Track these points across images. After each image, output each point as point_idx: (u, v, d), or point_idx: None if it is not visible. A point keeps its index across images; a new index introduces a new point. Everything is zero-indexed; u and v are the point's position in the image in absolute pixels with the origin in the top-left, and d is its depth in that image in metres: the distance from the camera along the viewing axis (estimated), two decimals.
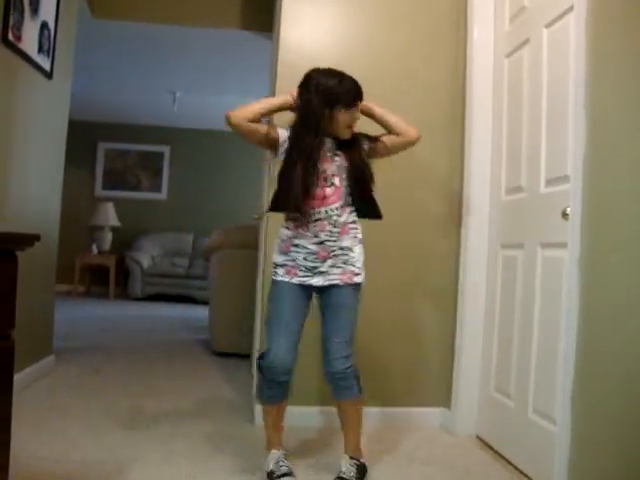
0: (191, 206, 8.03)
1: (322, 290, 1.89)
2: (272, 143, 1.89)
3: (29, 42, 2.66)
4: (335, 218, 1.85)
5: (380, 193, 2.66)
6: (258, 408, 2.31)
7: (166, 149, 8.07)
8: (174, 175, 8.09)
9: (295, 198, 1.80)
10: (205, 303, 5.47)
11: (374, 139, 1.95)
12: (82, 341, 4.16)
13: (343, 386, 1.90)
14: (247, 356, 3.59)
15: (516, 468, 2.12)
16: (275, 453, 1.94)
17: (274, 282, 1.91)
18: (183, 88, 6.20)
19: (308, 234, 1.85)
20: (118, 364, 3.53)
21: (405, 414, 2.59)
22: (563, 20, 1.97)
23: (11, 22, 2.45)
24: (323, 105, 1.80)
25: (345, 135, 1.86)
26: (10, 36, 2.46)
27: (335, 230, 1.85)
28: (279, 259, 1.91)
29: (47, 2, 2.83)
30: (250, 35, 4.23)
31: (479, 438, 2.45)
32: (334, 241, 1.86)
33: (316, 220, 1.85)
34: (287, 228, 1.91)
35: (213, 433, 2.34)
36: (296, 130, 1.85)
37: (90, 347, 3.98)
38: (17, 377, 1.52)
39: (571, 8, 1.88)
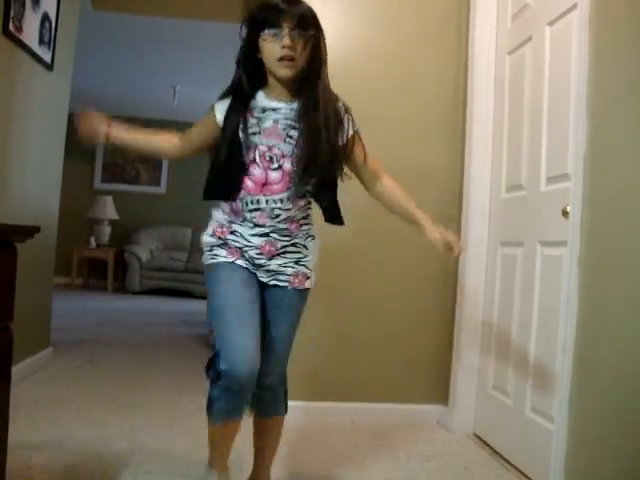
0: (190, 200, 7.97)
1: (265, 284, 1.52)
2: (215, 133, 1.51)
3: (30, 33, 2.64)
4: (278, 212, 1.46)
5: None
6: None
7: None
8: (173, 169, 8.07)
9: (220, 181, 1.48)
10: (203, 297, 5.47)
11: (351, 145, 1.50)
12: (80, 334, 4.16)
13: (272, 401, 1.62)
14: None
15: (513, 466, 2.12)
16: (218, 474, 1.56)
17: (215, 266, 1.50)
18: (183, 82, 6.18)
19: (246, 223, 1.49)
20: (116, 357, 3.53)
21: (403, 411, 2.59)
22: (566, 18, 1.97)
23: (12, 13, 2.44)
24: (248, 39, 1.45)
25: (281, 73, 1.41)
26: (11, 27, 2.44)
27: (281, 226, 1.48)
28: (214, 240, 1.53)
29: None
30: None
31: (476, 436, 2.45)
32: (284, 236, 1.49)
33: (253, 210, 1.46)
34: (222, 211, 1.54)
35: None
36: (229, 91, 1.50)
37: (88, 340, 3.98)
38: (15, 369, 1.51)
39: (574, 6, 1.87)
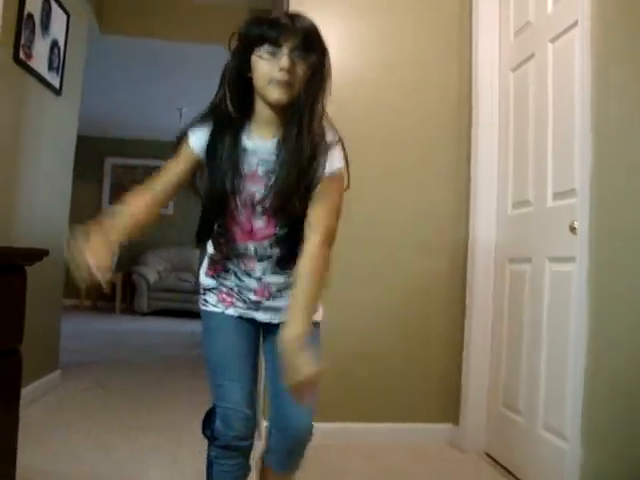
0: (198, 221, 8.04)
1: (267, 327, 1.38)
2: (194, 167, 1.38)
3: (39, 60, 2.69)
4: (269, 255, 1.33)
5: (385, 206, 2.64)
6: (265, 423, 2.11)
7: None
8: (181, 190, 8.11)
9: (203, 228, 1.38)
10: None
11: (324, 183, 1.25)
12: (88, 356, 4.16)
13: (296, 453, 1.36)
14: None
15: None
16: None
17: (205, 315, 1.40)
18: (189, 104, 6.25)
19: (238, 266, 1.36)
20: (124, 379, 3.52)
21: (412, 430, 2.56)
22: (568, 35, 1.98)
23: (22, 40, 2.48)
24: (238, 55, 1.27)
25: (275, 95, 1.22)
26: (21, 54, 2.49)
27: (275, 269, 1.34)
28: (208, 282, 1.41)
29: (58, 20, 2.87)
30: None
31: (488, 454, 2.42)
32: (277, 274, 1.34)
33: (240, 256, 1.34)
34: (213, 247, 1.42)
35: None
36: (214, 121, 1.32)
37: (96, 362, 3.98)
38: (23, 391, 1.51)
39: (576, 23, 1.89)
